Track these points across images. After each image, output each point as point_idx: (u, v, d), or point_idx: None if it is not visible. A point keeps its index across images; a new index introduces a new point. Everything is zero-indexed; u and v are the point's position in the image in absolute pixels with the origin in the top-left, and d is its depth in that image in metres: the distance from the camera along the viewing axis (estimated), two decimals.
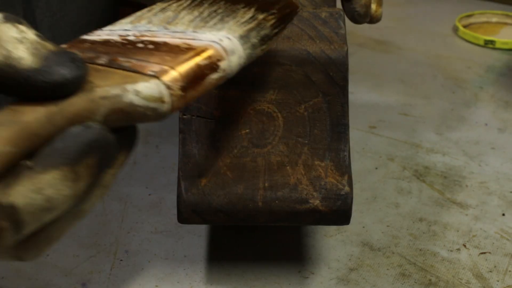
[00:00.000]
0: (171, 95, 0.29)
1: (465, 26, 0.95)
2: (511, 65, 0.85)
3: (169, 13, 0.37)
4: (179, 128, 0.46)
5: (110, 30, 0.35)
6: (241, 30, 0.35)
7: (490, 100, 0.77)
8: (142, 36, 0.34)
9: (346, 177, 0.45)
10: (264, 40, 0.36)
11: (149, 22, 0.36)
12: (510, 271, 0.52)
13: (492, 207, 0.59)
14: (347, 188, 0.44)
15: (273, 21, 0.37)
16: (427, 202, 0.59)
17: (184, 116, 0.46)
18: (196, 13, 0.36)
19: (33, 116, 0.27)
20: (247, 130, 0.45)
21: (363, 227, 0.56)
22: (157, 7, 0.38)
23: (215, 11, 0.37)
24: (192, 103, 0.45)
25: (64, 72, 0.28)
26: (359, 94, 0.78)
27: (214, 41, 0.33)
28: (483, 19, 0.98)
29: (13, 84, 0.27)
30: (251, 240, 0.55)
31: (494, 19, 0.98)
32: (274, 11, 0.37)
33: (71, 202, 0.27)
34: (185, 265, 0.52)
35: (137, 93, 0.29)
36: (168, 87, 0.29)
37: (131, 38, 0.34)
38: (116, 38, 0.34)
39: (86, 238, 0.55)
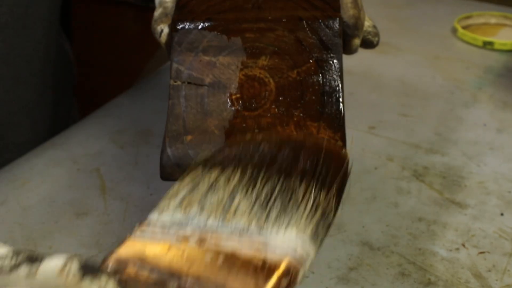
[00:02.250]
0: None
1: (464, 27, 0.95)
2: (510, 66, 0.85)
3: (221, 194, 0.33)
4: (169, 94, 0.46)
5: (162, 225, 0.32)
6: (310, 227, 0.32)
7: (488, 100, 0.77)
8: (204, 238, 0.31)
9: (339, 134, 0.44)
10: (328, 229, 0.33)
11: (202, 209, 0.33)
12: (508, 270, 0.52)
13: (491, 207, 0.59)
14: (340, 143, 0.43)
15: (334, 201, 0.34)
16: (426, 202, 0.60)
17: (175, 83, 0.46)
18: (252, 195, 0.33)
19: None
20: (238, 95, 0.45)
21: (363, 226, 0.57)
22: (204, 182, 0.34)
23: (271, 190, 0.33)
24: (183, 70, 0.45)
25: None
26: (358, 95, 0.78)
27: (289, 252, 0.30)
28: (482, 20, 0.98)
29: None
30: None
31: (493, 21, 0.98)
32: (331, 179, 0.34)
33: None
34: None
35: None
36: None
37: (193, 243, 0.31)
38: (174, 241, 0.31)
39: (87, 237, 0.55)
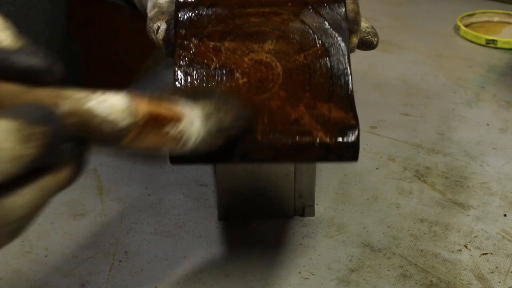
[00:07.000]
0: (134, 114, 0.30)
1: (466, 26, 0.94)
2: None
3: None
4: (174, 78, 0.45)
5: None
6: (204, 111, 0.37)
7: (491, 100, 0.77)
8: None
9: (351, 114, 0.43)
10: (221, 131, 0.38)
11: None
12: (511, 272, 0.51)
13: (494, 208, 0.58)
14: (353, 122, 0.42)
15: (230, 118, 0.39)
16: (428, 202, 0.59)
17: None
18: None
19: (5, 88, 0.29)
20: (245, 80, 0.45)
21: (364, 227, 0.56)
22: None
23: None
24: (187, 55, 0.45)
25: (35, 59, 0.30)
26: (359, 94, 0.78)
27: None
28: (485, 18, 0.98)
29: None
30: (251, 240, 0.55)
31: (496, 19, 0.97)
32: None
33: (12, 165, 0.27)
34: (185, 266, 0.52)
35: (101, 100, 0.29)
36: (134, 105, 0.30)
37: None
38: None
39: (85, 239, 0.55)
